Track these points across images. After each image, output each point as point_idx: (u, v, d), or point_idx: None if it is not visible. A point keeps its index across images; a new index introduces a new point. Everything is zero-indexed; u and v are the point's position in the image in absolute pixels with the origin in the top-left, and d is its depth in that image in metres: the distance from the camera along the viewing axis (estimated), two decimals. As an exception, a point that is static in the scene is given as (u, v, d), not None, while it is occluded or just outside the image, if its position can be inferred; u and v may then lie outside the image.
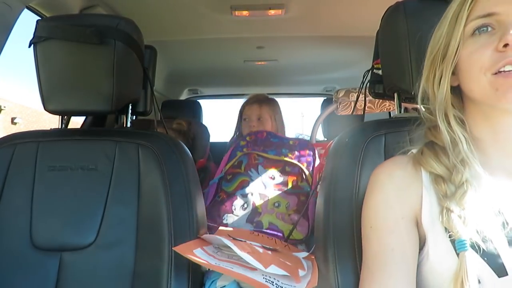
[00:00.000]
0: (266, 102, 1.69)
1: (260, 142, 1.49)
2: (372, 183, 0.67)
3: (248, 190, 1.32)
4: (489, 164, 0.60)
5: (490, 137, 0.61)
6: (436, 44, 0.62)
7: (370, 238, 0.64)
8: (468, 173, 0.58)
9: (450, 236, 0.56)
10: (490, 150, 0.61)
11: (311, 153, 1.45)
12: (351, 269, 0.74)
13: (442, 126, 0.61)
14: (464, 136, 0.59)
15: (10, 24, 1.13)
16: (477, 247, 0.54)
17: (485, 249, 0.54)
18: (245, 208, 1.27)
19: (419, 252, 0.61)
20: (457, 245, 0.55)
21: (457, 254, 0.55)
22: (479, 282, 0.53)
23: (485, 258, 0.54)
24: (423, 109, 0.66)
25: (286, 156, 1.42)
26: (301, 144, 1.48)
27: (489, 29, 0.56)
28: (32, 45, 0.92)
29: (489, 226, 0.56)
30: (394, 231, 0.61)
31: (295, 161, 1.40)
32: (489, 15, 0.56)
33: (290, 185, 1.34)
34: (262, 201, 1.29)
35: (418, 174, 0.63)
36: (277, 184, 1.34)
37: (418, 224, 0.62)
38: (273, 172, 1.37)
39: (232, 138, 1.83)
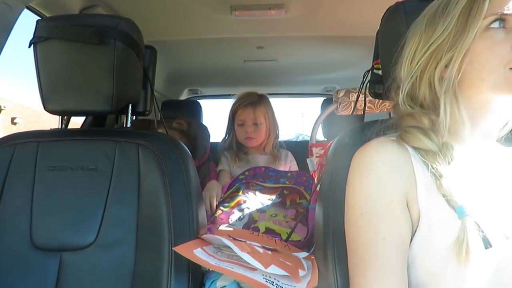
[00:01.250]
0: (259, 103, 1.67)
1: (259, 175, 1.50)
2: (358, 165, 0.66)
3: (244, 205, 1.32)
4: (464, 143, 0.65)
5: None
6: (441, 35, 0.63)
7: (361, 225, 0.63)
8: (457, 148, 0.62)
9: (449, 204, 0.57)
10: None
11: (309, 179, 1.45)
12: (351, 269, 0.74)
13: (448, 109, 0.62)
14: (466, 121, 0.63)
15: (10, 24, 1.13)
16: (477, 212, 0.56)
17: (488, 213, 0.57)
18: (242, 219, 1.27)
19: (417, 230, 0.60)
20: (457, 212, 0.56)
21: (459, 220, 0.56)
22: (490, 245, 0.55)
23: (491, 221, 0.56)
24: (402, 101, 0.68)
25: (284, 183, 1.43)
26: (299, 174, 1.50)
27: (506, 24, 0.59)
28: (32, 45, 0.92)
29: (485, 191, 0.60)
30: (387, 217, 0.61)
31: (293, 186, 1.41)
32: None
33: (288, 203, 1.35)
34: (259, 213, 1.29)
35: (405, 151, 0.63)
36: (275, 203, 1.35)
37: (410, 204, 0.61)
38: (271, 196, 1.38)
39: (223, 140, 1.80)
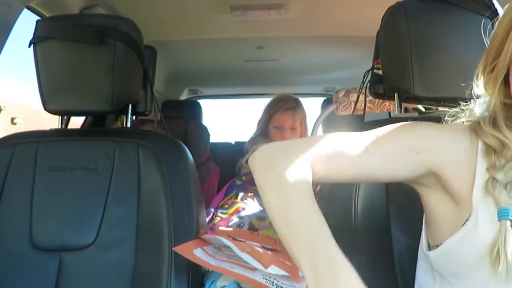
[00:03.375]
0: (297, 108, 1.67)
1: None
2: (430, 124, 0.63)
3: (244, 213, 1.31)
4: None
5: None
6: (492, 40, 0.60)
7: (381, 132, 0.61)
8: None
9: (495, 205, 0.55)
10: None
11: None
12: (351, 269, 0.74)
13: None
14: None
15: (10, 24, 1.13)
16: None
17: None
18: (242, 227, 1.26)
19: (463, 226, 0.59)
20: (499, 213, 0.54)
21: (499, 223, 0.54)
22: None
23: None
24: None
25: None
26: None
27: None
28: (32, 45, 0.92)
29: None
30: (404, 154, 0.59)
31: None
32: None
33: None
34: (259, 222, 1.28)
35: (475, 146, 0.61)
36: None
37: (462, 199, 0.60)
38: None
39: (252, 138, 1.77)
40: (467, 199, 0.59)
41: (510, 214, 0.54)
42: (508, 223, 0.54)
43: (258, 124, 1.78)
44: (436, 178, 0.61)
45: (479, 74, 0.62)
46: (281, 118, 1.65)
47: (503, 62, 0.57)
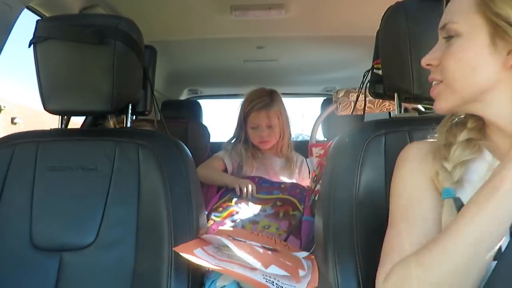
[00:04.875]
0: (272, 104, 1.59)
1: None
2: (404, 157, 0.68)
3: (237, 217, 1.32)
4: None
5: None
6: None
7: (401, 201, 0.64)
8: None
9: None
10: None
11: (302, 191, 1.44)
12: (351, 269, 0.74)
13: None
14: None
15: (10, 24, 1.13)
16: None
17: None
18: None
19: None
20: (443, 193, 0.58)
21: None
22: None
23: None
24: None
25: (277, 195, 1.42)
26: (293, 186, 1.48)
27: None
28: (32, 45, 0.92)
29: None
30: (422, 199, 0.62)
31: (287, 196, 1.40)
32: None
33: (281, 215, 1.34)
34: (252, 225, 1.28)
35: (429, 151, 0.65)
36: (268, 215, 1.33)
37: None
38: (264, 207, 1.37)
39: (230, 140, 1.71)
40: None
41: (451, 192, 0.57)
42: (447, 201, 0.57)
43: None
44: None
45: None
46: (256, 118, 1.58)
47: None
